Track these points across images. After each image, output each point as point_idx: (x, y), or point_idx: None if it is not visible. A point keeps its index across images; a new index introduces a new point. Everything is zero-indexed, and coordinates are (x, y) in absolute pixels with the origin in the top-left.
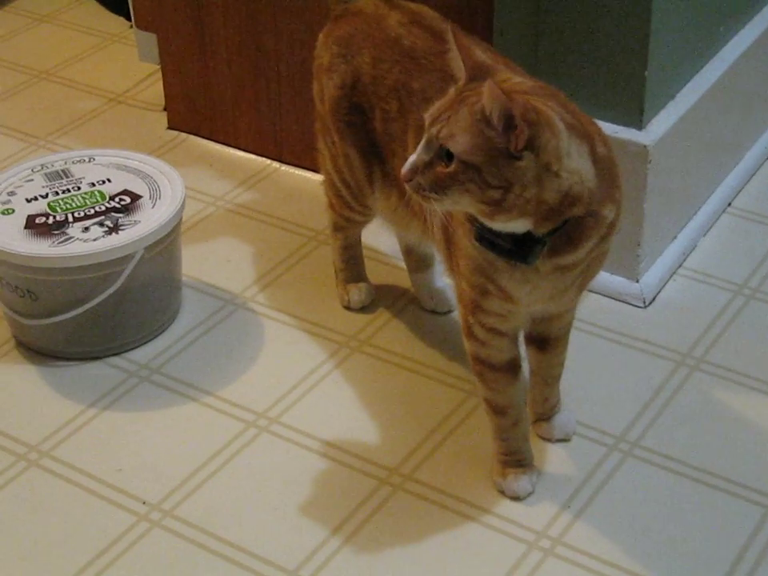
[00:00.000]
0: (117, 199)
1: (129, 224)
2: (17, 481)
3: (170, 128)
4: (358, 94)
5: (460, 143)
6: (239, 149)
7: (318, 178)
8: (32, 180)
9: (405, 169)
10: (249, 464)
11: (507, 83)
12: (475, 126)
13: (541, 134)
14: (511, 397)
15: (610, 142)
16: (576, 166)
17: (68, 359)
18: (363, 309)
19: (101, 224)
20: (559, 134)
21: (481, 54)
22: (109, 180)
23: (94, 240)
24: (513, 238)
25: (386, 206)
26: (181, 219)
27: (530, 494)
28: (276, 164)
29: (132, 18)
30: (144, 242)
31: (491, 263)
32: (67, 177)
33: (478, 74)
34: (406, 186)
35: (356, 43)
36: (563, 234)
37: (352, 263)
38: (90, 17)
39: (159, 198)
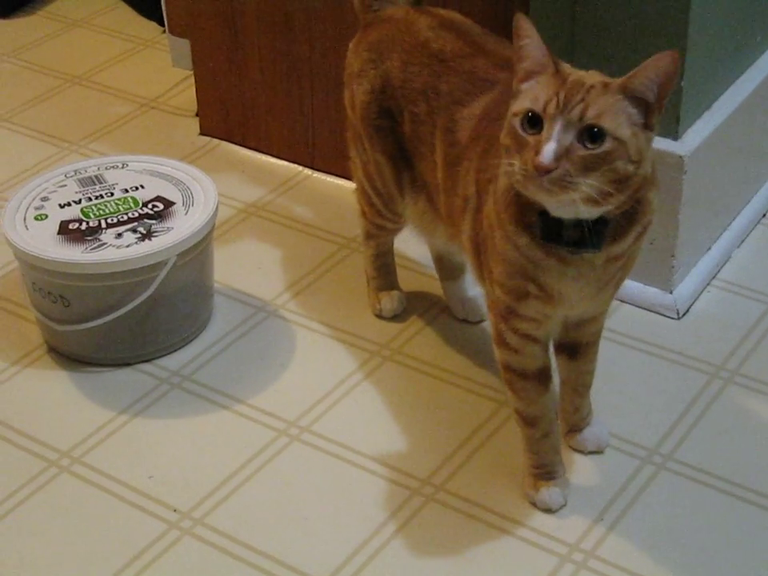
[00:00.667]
0: (150, 205)
1: (162, 231)
2: (48, 487)
3: (202, 134)
4: (387, 98)
5: (612, 120)
6: (271, 155)
7: (350, 185)
8: (65, 185)
9: (546, 157)
10: (280, 473)
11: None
12: (620, 103)
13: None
14: (542, 407)
15: None
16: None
17: (99, 365)
18: (395, 317)
19: (134, 230)
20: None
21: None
22: (142, 186)
23: (127, 246)
24: (580, 228)
25: (414, 210)
26: (214, 226)
27: (562, 507)
28: (308, 171)
29: (165, 23)
30: (177, 248)
31: (538, 264)
32: (100, 183)
33: (557, 62)
34: (542, 179)
35: (386, 48)
36: (618, 220)
37: (384, 271)
38: (123, 22)
39: (192, 204)
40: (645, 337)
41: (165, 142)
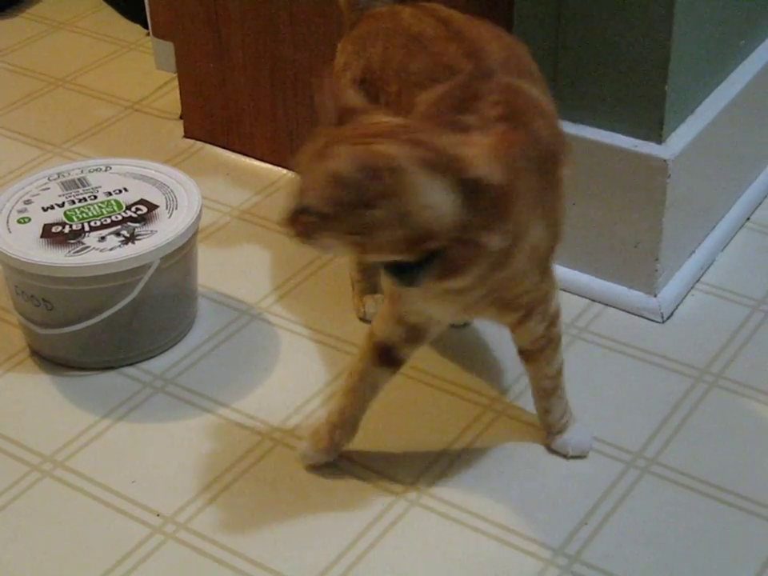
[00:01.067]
0: (133, 209)
1: (145, 234)
2: (30, 491)
3: (186, 137)
4: (367, 84)
5: (314, 197)
6: (256, 158)
7: None
8: (48, 188)
9: (281, 217)
10: (263, 476)
11: (362, 129)
12: (328, 181)
13: (392, 181)
14: (364, 373)
15: (515, 167)
16: (429, 202)
17: (82, 369)
18: None
19: (117, 234)
20: (409, 176)
21: (353, 95)
22: (125, 189)
23: (111, 250)
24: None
25: None
26: (197, 229)
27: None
28: (292, 174)
29: (149, 26)
30: (160, 252)
31: None
32: (84, 186)
33: (345, 117)
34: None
35: (369, 39)
36: (446, 261)
37: (368, 275)
38: (107, 24)
39: (176, 207)
40: (629, 340)
41: (149, 144)
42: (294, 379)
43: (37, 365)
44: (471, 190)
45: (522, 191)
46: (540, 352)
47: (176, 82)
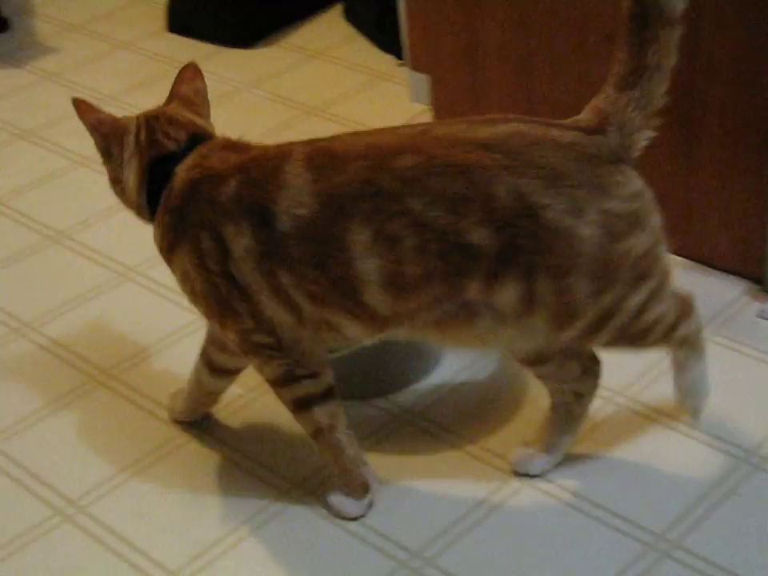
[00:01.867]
0: None
1: None
2: (277, 519)
3: None
4: None
5: None
6: None
7: None
8: None
9: None
10: (511, 517)
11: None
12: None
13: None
14: None
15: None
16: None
17: None
18: None
19: None
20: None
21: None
22: None
23: None
24: None
25: None
26: None
27: None
28: None
29: (406, 58)
30: None
31: None
32: None
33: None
34: None
35: None
36: None
37: None
38: (360, 54)
39: None
40: None
41: None
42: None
43: None
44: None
45: None
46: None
47: (428, 114)
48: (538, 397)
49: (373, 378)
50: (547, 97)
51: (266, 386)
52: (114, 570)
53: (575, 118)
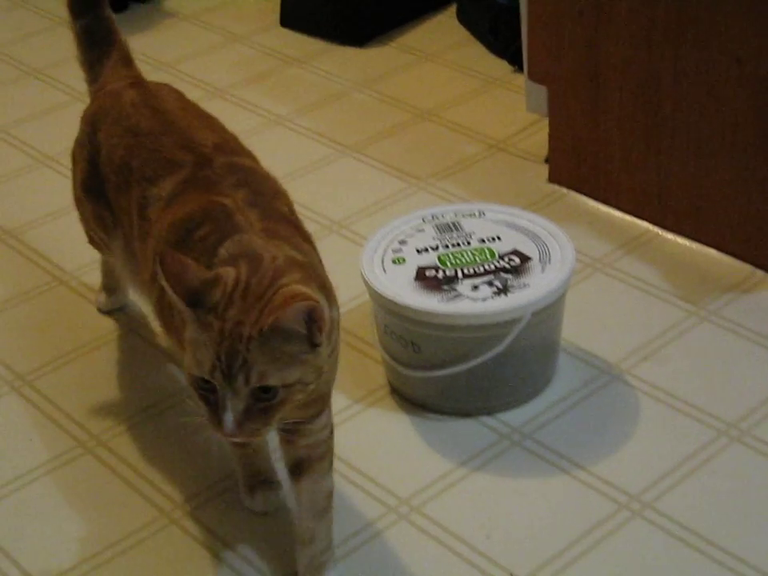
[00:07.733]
0: (506, 259)
1: (518, 286)
2: (386, 532)
3: (550, 181)
4: (97, 169)
5: (277, 374)
6: (620, 210)
7: (702, 248)
8: (423, 230)
9: (229, 429)
10: (617, 550)
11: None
12: (278, 349)
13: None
14: None
15: None
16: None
17: (440, 413)
18: None
19: (490, 283)
20: (325, 311)
21: (196, 270)
22: (499, 238)
23: (483, 300)
24: None
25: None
26: (568, 287)
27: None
28: (657, 229)
29: (524, 68)
30: (532, 307)
31: None
32: (457, 230)
33: (200, 294)
34: (232, 441)
35: (99, 121)
36: None
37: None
38: (473, 58)
39: (549, 262)
40: None
41: (512, 186)
42: (654, 448)
43: (396, 403)
44: None
45: None
46: (319, 461)
47: (542, 124)
48: (649, 431)
49: (482, 396)
50: (672, 116)
51: None
52: None
53: None
